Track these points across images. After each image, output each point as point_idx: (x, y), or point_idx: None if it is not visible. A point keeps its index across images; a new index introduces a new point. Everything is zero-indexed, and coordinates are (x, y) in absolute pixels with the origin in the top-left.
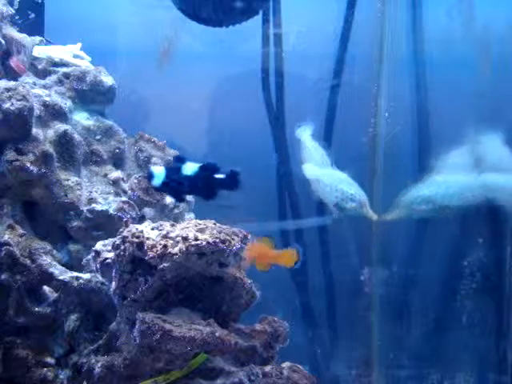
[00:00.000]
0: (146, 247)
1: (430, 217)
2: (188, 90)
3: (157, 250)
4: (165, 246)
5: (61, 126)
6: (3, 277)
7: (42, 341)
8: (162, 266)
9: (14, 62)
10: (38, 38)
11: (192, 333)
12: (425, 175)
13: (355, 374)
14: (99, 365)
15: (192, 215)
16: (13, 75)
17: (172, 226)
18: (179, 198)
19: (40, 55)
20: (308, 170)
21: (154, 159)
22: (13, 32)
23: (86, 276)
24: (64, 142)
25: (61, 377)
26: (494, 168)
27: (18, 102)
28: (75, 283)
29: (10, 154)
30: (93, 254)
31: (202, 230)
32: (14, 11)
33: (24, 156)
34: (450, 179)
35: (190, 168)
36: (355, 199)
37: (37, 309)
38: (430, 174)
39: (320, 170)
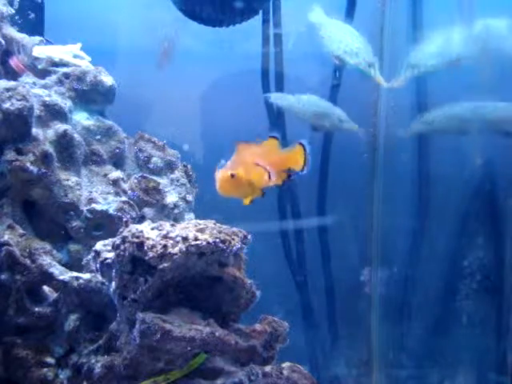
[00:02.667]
0: (145, 247)
1: (440, 70)
2: (188, 89)
3: (157, 250)
4: (165, 246)
5: (61, 126)
6: (3, 277)
7: (41, 341)
8: (161, 266)
9: (14, 61)
10: (37, 38)
11: (192, 333)
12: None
13: (355, 373)
14: (99, 365)
15: (192, 215)
16: (13, 75)
17: (172, 226)
18: None
19: (40, 55)
20: (315, 15)
21: (153, 159)
22: (13, 32)
23: (86, 276)
24: (64, 142)
25: (61, 377)
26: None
27: (18, 102)
28: (75, 283)
29: (10, 154)
30: (93, 254)
31: (201, 230)
32: (13, 11)
33: (24, 156)
34: (450, 32)
35: None
36: (360, 55)
37: (37, 309)
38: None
39: (327, 18)
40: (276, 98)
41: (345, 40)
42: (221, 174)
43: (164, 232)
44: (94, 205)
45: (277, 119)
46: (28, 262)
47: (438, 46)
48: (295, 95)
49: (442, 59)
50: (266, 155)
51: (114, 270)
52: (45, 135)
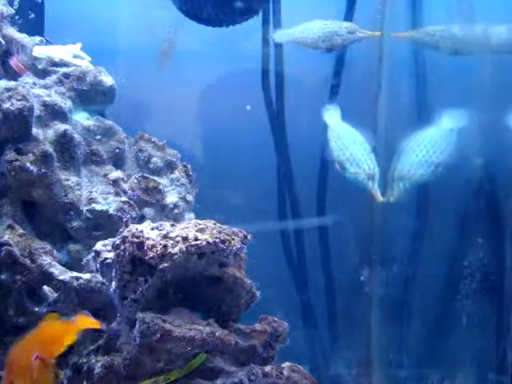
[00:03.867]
0: (145, 247)
1: (430, 180)
2: (188, 89)
3: (157, 250)
4: (165, 246)
5: (61, 126)
6: (3, 277)
7: None
8: (162, 266)
9: (14, 62)
10: (37, 38)
11: (192, 333)
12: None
13: (355, 373)
14: (99, 365)
15: (192, 215)
16: (13, 75)
17: (172, 226)
18: None
19: (40, 55)
20: (329, 115)
21: (153, 159)
22: (13, 32)
23: (86, 276)
24: (64, 142)
25: (61, 377)
26: None
27: (18, 102)
28: (75, 283)
29: (10, 154)
30: (93, 254)
31: (201, 230)
32: (13, 11)
33: (24, 156)
34: (430, 134)
35: None
36: (362, 166)
37: (37, 309)
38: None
39: (342, 122)
40: (280, 36)
41: (350, 148)
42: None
43: (164, 232)
44: (94, 205)
45: (277, 119)
46: (28, 262)
47: (423, 154)
48: (296, 27)
49: (427, 167)
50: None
51: (113, 270)
52: (45, 135)
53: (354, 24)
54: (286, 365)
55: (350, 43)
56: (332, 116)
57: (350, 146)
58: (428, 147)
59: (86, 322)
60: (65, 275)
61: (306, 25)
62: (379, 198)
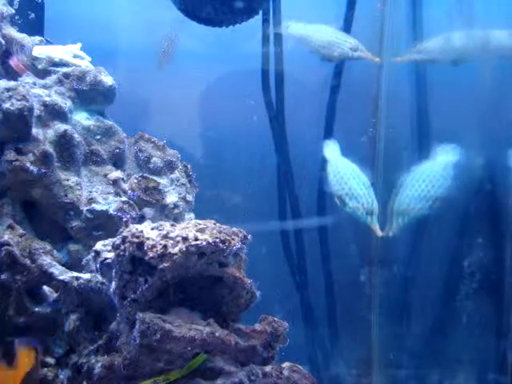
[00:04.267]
0: (145, 247)
1: (428, 214)
2: (188, 89)
3: (157, 250)
4: (165, 246)
5: (61, 126)
6: (3, 277)
7: (41, 341)
8: (161, 266)
9: (14, 62)
10: (37, 38)
11: (192, 333)
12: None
13: (355, 373)
14: (99, 365)
15: (192, 215)
16: (13, 75)
17: (172, 226)
18: None
19: (40, 55)
20: (329, 150)
21: (153, 159)
22: (13, 32)
23: (86, 276)
24: (64, 142)
25: (61, 377)
26: None
27: (18, 102)
28: (75, 283)
29: (10, 154)
30: (93, 254)
31: (201, 230)
32: (13, 11)
33: (24, 156)
34: (427, 169)
35: None
36: (360, 201)
37: (37, 309)
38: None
39: (341, 156)
40: (294, 28)
41: (349, 182)
42: None
43: (164, 232)
44: (94, 205)
45: (277, 118)
46: (28, 262)
47: (421, 189)
48: (310, 25)
49: (426, 202)
50: None
51: (113, 270)
52: (45, 135)
53: (359, 43)
54: (285, 365)
55: (347, 59)
56: (331, 151)
57: (348, 180)
58: (426, 182)
59: (26, 364)
60: (65, 275)
61: (319, 26)
62: (378, 232)
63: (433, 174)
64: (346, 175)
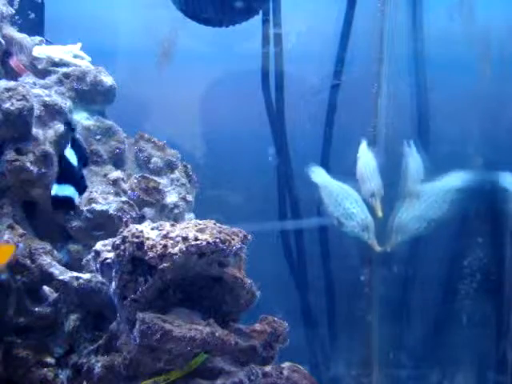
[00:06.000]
0: (145, 247)
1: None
2: (188, 89)
3: (157, 250)
4: (165, 246)
5: (61, 126)
6: (3, 277)
7: (41, 341)
8: (162, 266)
9: (14, 62)
10: (37, 38)
11: (192, 333)
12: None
13: (355, 374)
14: (99, 365)
15: (192, 215)
16: (13, 75)
17: (172, 226)
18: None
19: (40, 55)
20: (317, 175)
21: (153, 159)
22: (13, 32)
23: (86, 276)
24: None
25: (61, 377)
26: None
27: (18, 102)
28: (75, 283)
29: (10, 154)
30: (93, 254)
31: (201, 230)
32: (14, 11)
33: (24, 156)
34: (429, 191)
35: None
36: (355, 219)
37: (37, 309)
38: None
39: (330, 178)
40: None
41: (343, 203)
42: None
43: (164, 232)
44: (94, 205)
45: (277, 118)
46: (28, 262)
47: (421, 209)
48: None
49: (423, 222)
50: None
51: (113, 270)
52: (45, 135)
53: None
54: (285, 365)
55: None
56: (319, 175)
57: (342, 201)
58: (427, 202)
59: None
60: (65, 275)
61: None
62: (376, 247)
63: (434, 197)
64: (339, 196)
